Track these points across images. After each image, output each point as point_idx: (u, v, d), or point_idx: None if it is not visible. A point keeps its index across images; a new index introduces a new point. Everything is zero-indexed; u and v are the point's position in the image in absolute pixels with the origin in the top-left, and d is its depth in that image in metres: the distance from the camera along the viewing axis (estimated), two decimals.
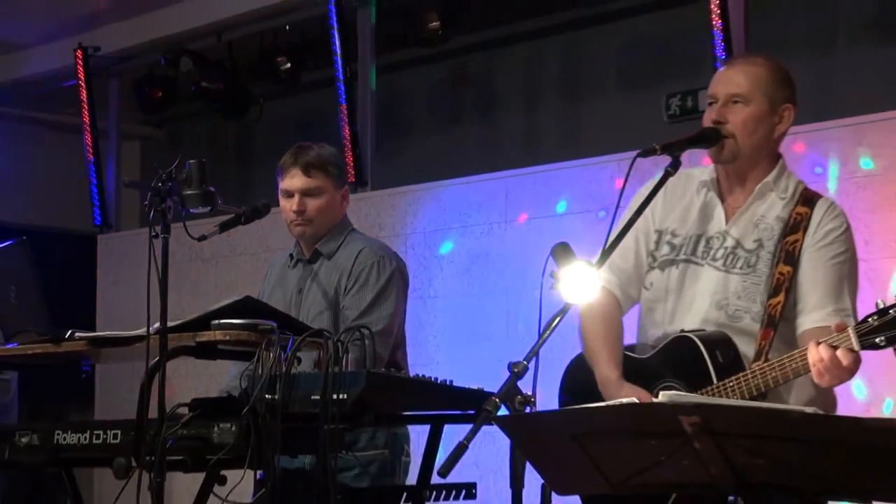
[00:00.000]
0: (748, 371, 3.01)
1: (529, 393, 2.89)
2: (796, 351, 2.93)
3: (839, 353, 2.79)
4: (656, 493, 3.01)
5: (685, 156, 3.15)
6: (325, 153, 4.18)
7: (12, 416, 4.91)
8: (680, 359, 3.12)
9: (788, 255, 3.12)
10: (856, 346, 2.79)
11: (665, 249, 3.28)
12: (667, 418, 2.55)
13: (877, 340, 2.75)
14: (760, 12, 6.14)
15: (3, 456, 3.85)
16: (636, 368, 3.20)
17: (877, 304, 2.77)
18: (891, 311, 2.73)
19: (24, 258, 3.91)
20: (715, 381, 3.03)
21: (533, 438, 2.79)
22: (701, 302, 3.17)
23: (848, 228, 3.18)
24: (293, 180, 4.10)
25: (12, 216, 8.84)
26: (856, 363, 2.82)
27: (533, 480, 2.81)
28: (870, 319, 2.77)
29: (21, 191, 9.30)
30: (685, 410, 2.52)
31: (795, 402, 3.05)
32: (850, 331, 2.79)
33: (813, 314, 3.06)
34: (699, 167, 3.35)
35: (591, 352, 3.29)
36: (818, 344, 2.83)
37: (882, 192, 5.46)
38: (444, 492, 3.64)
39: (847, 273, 3.14)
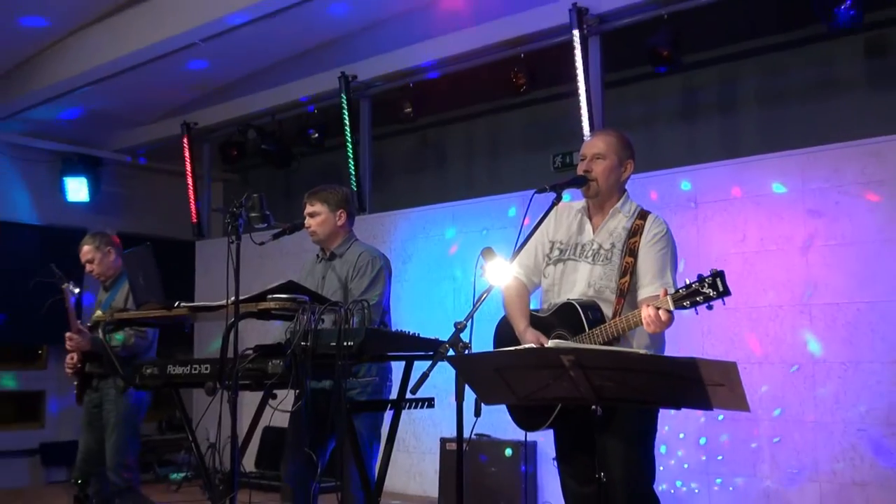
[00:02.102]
0: (607, 323, 3.02)
1: (467, 341, 2.89)
2: (635, 311, 2.95)
3: (660, 312, 2.83)
4: (547, 403, 3.02)
5: (566, 192, 3.16)
6: (327, 192, 4.09)
7: (151, 355, 4.84)
8: (566, 316, 3.12)
9: (631, 251, 3.13)
10: (671, 308, 2.82)
11: (556, 253, 3.28)
12: (553, 357, 2.57)
13: (684, 304, 2.80)
14: (612, 103, 6.17)
15: (136, 381, 3.86)
16: (540, 322, 3.20)
17: (685, 282, 2.80)
18: (692, 286, 2.78)
19: (148, 256, 3.88)
20: (587, 329, 3.03)
21: (470, 370, 2.79)
22: (579, 284, 3.17)
23: (668, 232, 3.19)
24: (305, 208, 4.07)
25: (142, 229, 8.75)
26: (670, 319, 2.86)
27: (469, 396, 2.80)
28: (680, 290, 2.82)
29: (148, 213, 9.22)
30: (565, 352, 2.54)
31: (637, 343, 3.07)
32: (668, 297, 2.82)
33: (647, 288, 3.07)
34: (577, 200, 3.35)
35: (510, 314, 3.29)
36: (647, 306, 2.85)
37: (686, 216, 5.52)
38: (414, 403, 3.64)
39: (668, 260, 3.14)
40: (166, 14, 6.31)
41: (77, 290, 4.89)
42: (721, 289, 2.74)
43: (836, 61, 5.85)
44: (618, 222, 3.21)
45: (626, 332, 3.01)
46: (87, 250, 5.05)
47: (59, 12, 6.51)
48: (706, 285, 2.75)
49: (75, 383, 4.94)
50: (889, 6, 5.52)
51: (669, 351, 3.21)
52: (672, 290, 2.86)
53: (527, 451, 5.99)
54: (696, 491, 5.44)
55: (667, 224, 3.22)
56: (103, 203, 8.94)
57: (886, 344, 4.86)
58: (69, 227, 8.59)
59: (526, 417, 3.19)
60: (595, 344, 2.99)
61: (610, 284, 3.12)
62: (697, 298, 2.76)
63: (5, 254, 7.21)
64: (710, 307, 2.77)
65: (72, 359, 4.84)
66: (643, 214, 3.21)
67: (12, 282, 5.05)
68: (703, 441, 5.44)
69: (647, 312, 2.85)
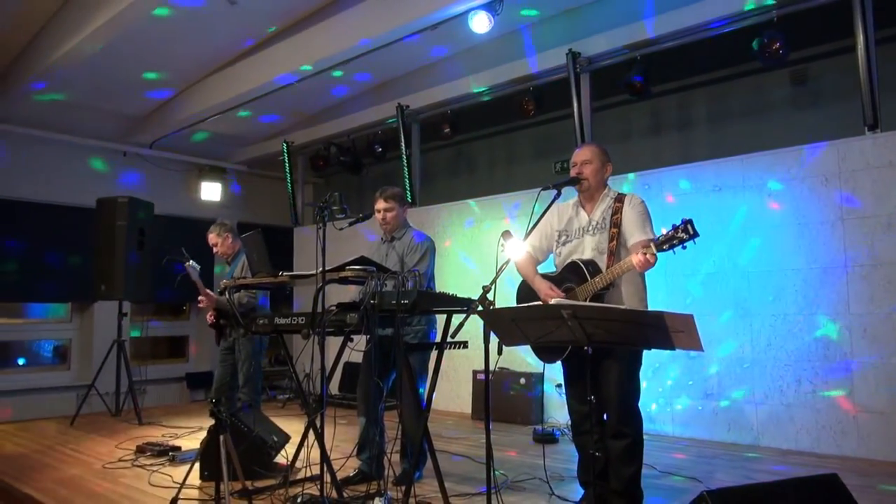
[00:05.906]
0: (603, 273, 2.96)
1: (492, 299, 2.84)
2: (625, 259, 2.89)
3: (647, 256, 2.76)
4: (552, 345, 2.97)
5: (564, 190, 3.10)
6: (394, 191, 4.08)
7: (268, 310, 4.87)
8: (573, 271, 3.07)
9: (615, 223, 3.07)
10: (655, 252, 2.75)
11: (563, 238, 3.23)
12: (555, 311, 2.52)
13: (664, 247, 2.72)
14: (598, 123, 6.05)
15: (251, 328, 3.86)
16: (553, 279, 3.15)
17: (661, 230, 2.73)
18: (669, 233, 2.70)
19: (259, 238, 3.88)
20: (588, 279, 2.97)
21: (494, 320, 2.76)
22: (587, 250, 3.12)
23: (643, 201, 3.14)
24: (378, 203, 4.04)
25: (255, 219, 8.82)
26: (655, 260, 2.79)
27: (494, 340, 2.76)
28: (660, 238, 2.73)
29: (259, 207, 9.27)
30: (565, 308, 2.49)
31: (626, 295, 3.01)
32: (652, 244, 2.75)
33: (634, 237, 3.01)
34: (573, 197, 3.28)
35: (524, 274, 3.25)
36: (636, 253, 2.80)
37: (652, 206, 5.36)
38: (452, 345, 3.61)
39: (646, 218, 3.08)
40: (273, 64, 6.29)
41: (198, 267, 4.93)
42: (692, 231, 2.66)
43: (767, 89, 5.70)
44: (605, 205, 3.17)
45: (619, 278, 2.95)
46: (211, 237, 5.15)
47: (195, 70, 6.53)
48: (680, 231, 2.67)
49: (215, 332, 5.03)
50: (807, 47, 5.35)
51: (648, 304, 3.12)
52: (653, 238, 2.79)
53: (540, 379, 5.96)
54: (665, 410, 5.37)
55: (641, 197, 3.17)
56: (228, 200, 9.00)
57: (806, 300, 4.73)
58: (205, 218, 8.65)
59: (546, 355, 3.16)
60: (597, 288, 2.94)
61: (604, 246, 3.07)
62: (674, 242, 2.68)
63: (161, 238, 7.30)
64: (684, 247, 2.68)
65: (211, 315, 4.94)
66: (621, 197, 3.17)
67: (164, 258, 5.12)
68: (668, 373, 5.35)
69: (637, 258, 2.78)
